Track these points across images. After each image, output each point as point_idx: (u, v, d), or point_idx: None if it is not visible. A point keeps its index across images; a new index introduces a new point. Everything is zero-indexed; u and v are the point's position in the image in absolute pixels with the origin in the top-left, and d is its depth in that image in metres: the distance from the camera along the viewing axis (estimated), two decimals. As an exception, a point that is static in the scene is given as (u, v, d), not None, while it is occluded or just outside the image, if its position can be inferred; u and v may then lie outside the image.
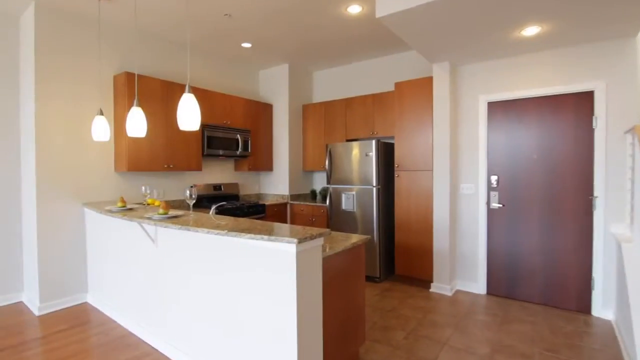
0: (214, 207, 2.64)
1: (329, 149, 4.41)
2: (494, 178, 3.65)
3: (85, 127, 3.46)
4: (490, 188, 3.67)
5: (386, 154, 4.19)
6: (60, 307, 3.29)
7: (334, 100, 4.91)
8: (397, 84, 4.02)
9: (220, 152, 4.38)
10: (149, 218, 2.32)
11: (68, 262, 3.36)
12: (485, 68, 3.66)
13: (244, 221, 2.16)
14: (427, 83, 3.82)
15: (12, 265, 3.42)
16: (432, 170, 3.79)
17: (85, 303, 3.44)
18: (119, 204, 2.88)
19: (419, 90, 3.87)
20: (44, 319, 3.08)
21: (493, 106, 3.65)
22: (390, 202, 4.27)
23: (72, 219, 3.39)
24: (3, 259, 3.37)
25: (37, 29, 3.15)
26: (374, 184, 4.02)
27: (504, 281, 3.61)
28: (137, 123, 2.55)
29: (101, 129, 2.95)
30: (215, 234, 1.86)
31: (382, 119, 4.45)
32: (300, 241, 1.62)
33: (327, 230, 1.84)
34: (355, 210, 4.18)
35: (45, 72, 3.20)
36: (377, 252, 4.02)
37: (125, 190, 3.78)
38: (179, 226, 2.05)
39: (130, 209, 2.89)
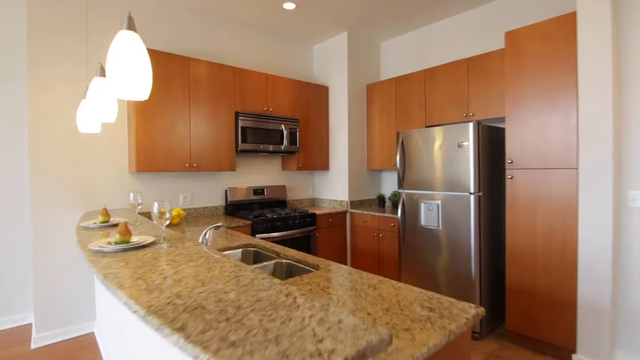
0: (207, 228, 1.65)
1: (401, 138, 3.16)
2: None
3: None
4: (696, 199, 2.06)
5: (490, 144, 2.79)
6: (60, 339, 2.67)
7: (409, 74, 3.62)
8: (508, 34, 2.60)
9: (262, 147, 3.46)
10: (96, 250, 1.43)
11: (71, 284, 2.74)
12: (686, -15, 2.05)
13: (227, 275, 1.11)
14: (564, 25, 2.33)
15: (21, 281, 2.95)
16: (575, 168, 2.30)
17: (91, 334, 2.79)
18: (101, 218, 2.10)
19: (549, 40, 2.40)
20: (35, 354, 2.48)
21: None
22: (498, 217, 2.85)
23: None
24: (13, 273, 2.91)
25: (31, -3, 2.57)
26: (472, 190, 2.66)
27: None
28: (98, 103, 1.70)
29: (88, 117, 2.21)
30: (132, 312, 0.85)
31: (482, 92, 3.04)
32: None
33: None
34: (440, 227, 2.87)
35: (39, 51, 2.60)
36: (477, 293, 2.65)
37: (142, 195, 3.07)
38: (102, 277, 1.09)
39: (115, 225, 2.09)
